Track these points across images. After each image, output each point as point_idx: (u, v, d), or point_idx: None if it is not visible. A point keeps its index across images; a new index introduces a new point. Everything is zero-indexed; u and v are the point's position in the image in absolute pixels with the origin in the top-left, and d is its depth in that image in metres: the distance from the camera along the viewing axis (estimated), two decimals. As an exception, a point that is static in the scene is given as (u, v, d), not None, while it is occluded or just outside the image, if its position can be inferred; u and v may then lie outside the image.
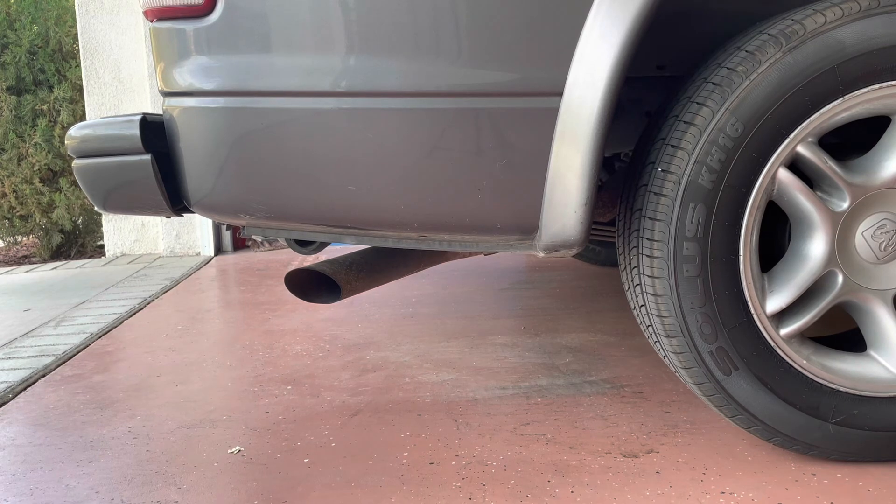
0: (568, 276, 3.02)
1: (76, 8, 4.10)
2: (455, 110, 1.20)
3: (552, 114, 1.17)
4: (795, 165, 1.23)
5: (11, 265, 4.36)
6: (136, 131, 1.33)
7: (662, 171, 1.21)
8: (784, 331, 1.25)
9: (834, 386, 1.25)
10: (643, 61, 1.48)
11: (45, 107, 4.33)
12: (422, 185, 1.24)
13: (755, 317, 1.23)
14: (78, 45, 4.22)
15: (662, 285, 1.22)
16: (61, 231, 4.53)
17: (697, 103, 1.19)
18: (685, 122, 1.20)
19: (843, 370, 1.27)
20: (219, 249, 4.18)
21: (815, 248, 1.23)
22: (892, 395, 1.26)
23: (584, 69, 1.14)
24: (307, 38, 1.23)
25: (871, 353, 1.28)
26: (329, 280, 1.66)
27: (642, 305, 1.31)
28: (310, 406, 1.70)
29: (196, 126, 1.31)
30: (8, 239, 4.69)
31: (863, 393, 1.25)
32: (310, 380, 1.88)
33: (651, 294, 1.25)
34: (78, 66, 4.33)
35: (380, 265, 1.74)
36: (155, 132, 1.35)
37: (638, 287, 1.30)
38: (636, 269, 1.29)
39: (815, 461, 1.31)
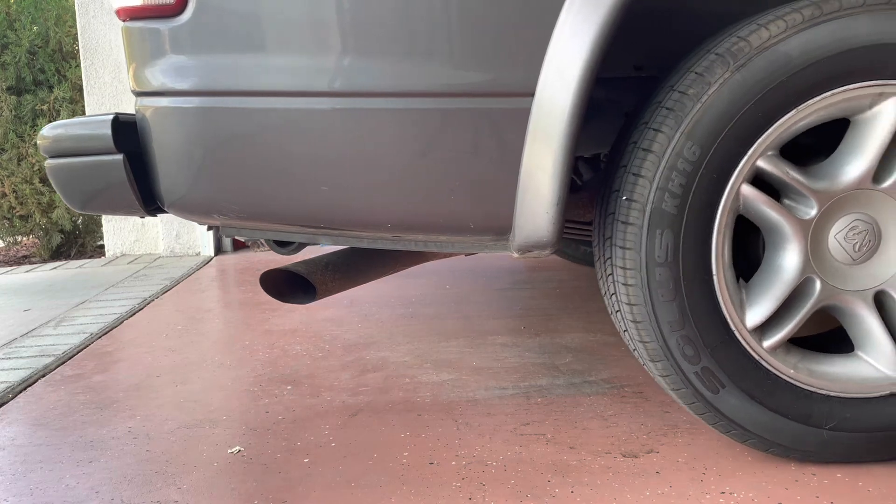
0: (568, 276, 3.02)
1: (76, 8, 4.10)
2: (426, 111, 1.19)
3: (524, 114, 1.16)
4: (759, 179, 1.22)
5: (11, 265, 4.36)
6: (108, 131, 1.32)
7: (626, 199, 1.20)
8: (767, 343, 1.24)
9: (824, 391, 1.25)
10: (620, 62, 1.47)
11: (45, 107, 4.33)
12: (394, 185, 1.23)
13: (736, 333, 1.23)
14: (78, 45, 4.22)
15: (640, 312, 1.22)
16: (61, 231, 4.53)
17: (654, 129, 1.19)
18: (643, 150, 1.19)
19: (831, 373, 1.26)
20: (218, 250, 4.18)
21: (789, 257, 1.23)
22: (883, 394, 1.25)
23: (555, 68, 1.13)
24: (278, 38, 1.22)
25: (859, 353, 1.28)
26: (305, 280, 1.66)
27: (625, 331, 1.31)
28: (310, 406, 1.70)
29: (168, 126, 1.29)
30: (8, 239, 4.69)
31: (853, 395, 1.25)
32: (310, 380, 1.88)
33: (631, 321, 1.24)
34: (78, 66, 4.33)
35: (357, 265, 1.72)
36: (128, 132, 1.34)
37: (619, 313, 1.30)
38: (615, 297, 1.29)
39: (815, 461, 1.31)
